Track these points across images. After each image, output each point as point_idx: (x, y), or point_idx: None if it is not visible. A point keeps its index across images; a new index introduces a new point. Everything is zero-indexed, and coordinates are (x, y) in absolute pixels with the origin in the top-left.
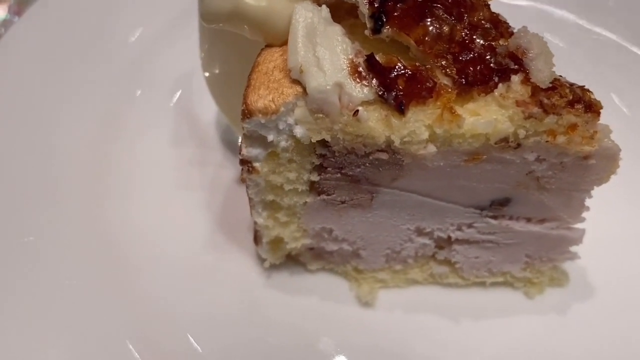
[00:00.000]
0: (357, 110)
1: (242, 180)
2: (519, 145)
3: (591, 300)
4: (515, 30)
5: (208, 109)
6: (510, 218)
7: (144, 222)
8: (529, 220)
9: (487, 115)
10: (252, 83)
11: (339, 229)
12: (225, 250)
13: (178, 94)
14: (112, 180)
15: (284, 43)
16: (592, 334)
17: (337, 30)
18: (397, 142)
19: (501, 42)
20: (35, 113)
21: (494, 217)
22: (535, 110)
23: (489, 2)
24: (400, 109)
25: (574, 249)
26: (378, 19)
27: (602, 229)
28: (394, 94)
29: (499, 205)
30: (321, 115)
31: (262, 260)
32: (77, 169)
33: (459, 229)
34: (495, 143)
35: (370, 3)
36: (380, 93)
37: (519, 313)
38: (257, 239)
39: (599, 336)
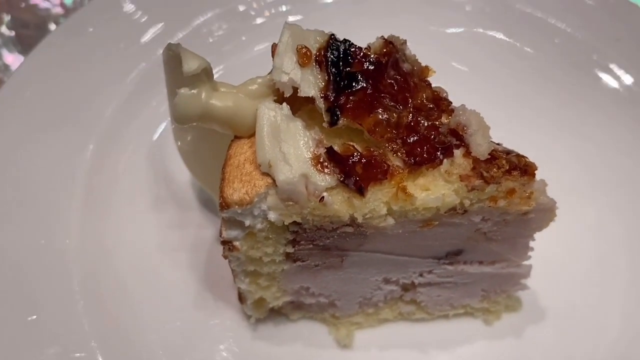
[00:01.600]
0: (323, 197)
1: (225, 257)
2: (465, 211)
3: (543, 321)
4: (454, 107)
5: (182, 172)
6: (465, 263)
7: (132, 286)
8: (481, 263)
9: (435, 191)
10: (226, 177)
11: (315, 286)
12: (213, 308)
13: (153, 157)
14: (96, 245)
15: (252, 135)
16: (545, 352)
17: (298, 125)
18: (360, 219)
19: (443, 118)
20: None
21: (450, 264)
22: (477, 182)
23: (429, 78)
24: (360, 192)
25: (523, 280)
26: (333, 113)
27: (547, 256)
28: (353, 179)
29: (453, 255)
30: (291, 202)
31: (248, 316)
32: (60, 234)
33: (421, 275)
34: (445, 212)
35: (325, 98)
36: (341, 179)
37: (479, 339)
38: (241, 298)
39: (551, 352)
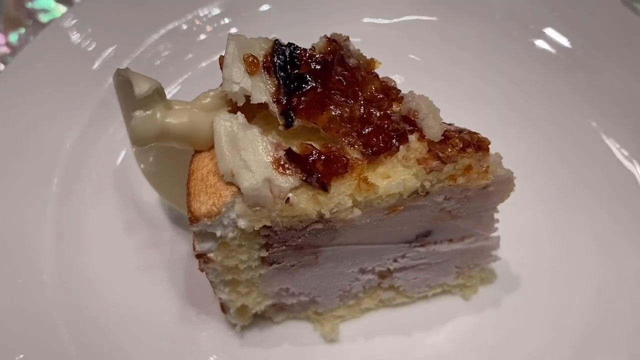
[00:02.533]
0: (288, 198)
1: (201, 270)
2: (427, 193)
3: (519, 289)
4: (403, 94)
5: (149, 193)
6: (435, 243)
7: (116, 311)
8: (450, 240)
9: (396, 177)
10: (192, 191)
11: (294, 286)
12: (198, 322)
13: (118, 183)
14: (74, 276)
15: (211, 147)
16: (524, 317)
17: (254, 131)
18: (327, 215)
19: (394, 107)
20: None
21: (421, 246)
22: (434, 164)
23: (375, 70)
24: (324, 188)
25: (494, 252)
26: (287, 115)
27: (512, 225)
28: (315, 176)
29: (423, 237)
30: (258, 207)
31: (232, 324)
32: (36, 271)
33: (395, 260)
34: (408, 196)
35: (278, 102)
36: (304, 178)
37: (460, 314)
38: (224, 308)
39: (530, 316)
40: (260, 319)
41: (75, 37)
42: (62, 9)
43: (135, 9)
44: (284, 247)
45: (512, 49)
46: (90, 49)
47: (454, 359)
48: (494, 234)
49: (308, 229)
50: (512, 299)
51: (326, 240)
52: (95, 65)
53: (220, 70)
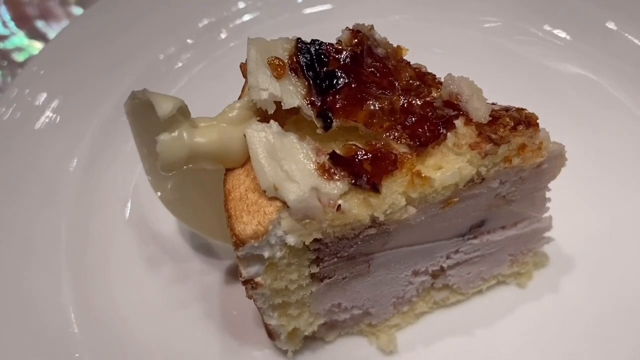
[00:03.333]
0: (339, 205)
1: (249, 297)
2: (483, 179)
3: (574, 269)
4: (440, 79)
5: (167, 222)
6: (488, 232)
7: (154, 351)
8: (503, 227)
9: (449, 167)
10: (233, 213)
11: (346, 300)
12: (244, 353)
13: (133, 217)
14: (103, 324)
15: (245, 163)
16: (583, 297)
17: (292, 139)
18: (381, 217)
19: (434, 94)
20: None
21: (475, 237)
22: (488, 147)
23: (405, 57)
24: (375, 189)
25: (546, 234)
26: (325, 117)
27: (560, 203)
28: (364, 178)
29: (476, 228)
30: (307, 220)
31: (283, 351)
32: (62, 324)
33: (448, 257)
34: (464, 186)
35: (312, 104)
36: (352, 182)
37: (518, 304)
38: (272, 335)
39: (589, 298)
40: (311, 340)
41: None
42: (37, 45)
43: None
44: (335, 260)
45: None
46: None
47: (523, 351)
48: (546, 215)
49: (360, 236)
50: (568, 280)
51: (379, 246)
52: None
53: (243, 78)
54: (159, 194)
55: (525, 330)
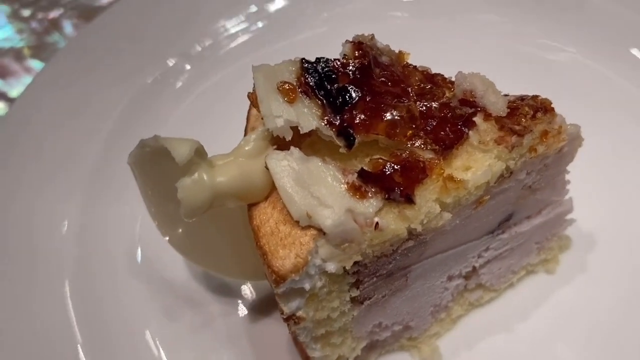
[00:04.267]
0: (377, 223)
1: (293, 334)
2: (511, 173)
3: (597, 246)
4: (452, 78)
5: (175, 265)
6: (515, 225)
7: None
8: (529, 217)
9: (479, 166)
10: (267, 249)
11: (386, 318)
12: None
13: (139, 259)
14: None
15: (268, 196)
16: (614, 272)
17: (316, 162)
18: (419, 229)
19: (448, 94)
20: None
21: (503, 232)
22: (514, 139)
23: (407, 62)
24: (409, 200)
25: (569, 216)
26: (347, 135)
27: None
28: (397, 191)
29: (504, 222)
30: (346, 244)
31: None
32: None
33: (480, 256)
34: (495, 182)
35: (330, 124)
36: (386, 197)
37: (551, 290)
38: None
39: (619, 273)
40: None
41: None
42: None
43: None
44: (374, 279)
45: None
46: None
47: (565, 334)
48: (567, 197)
49: (399, 251)
50: (593, 258)
51: (416, 257)
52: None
53: (251, 108)
54: (167, 237)
55: (563, 314)
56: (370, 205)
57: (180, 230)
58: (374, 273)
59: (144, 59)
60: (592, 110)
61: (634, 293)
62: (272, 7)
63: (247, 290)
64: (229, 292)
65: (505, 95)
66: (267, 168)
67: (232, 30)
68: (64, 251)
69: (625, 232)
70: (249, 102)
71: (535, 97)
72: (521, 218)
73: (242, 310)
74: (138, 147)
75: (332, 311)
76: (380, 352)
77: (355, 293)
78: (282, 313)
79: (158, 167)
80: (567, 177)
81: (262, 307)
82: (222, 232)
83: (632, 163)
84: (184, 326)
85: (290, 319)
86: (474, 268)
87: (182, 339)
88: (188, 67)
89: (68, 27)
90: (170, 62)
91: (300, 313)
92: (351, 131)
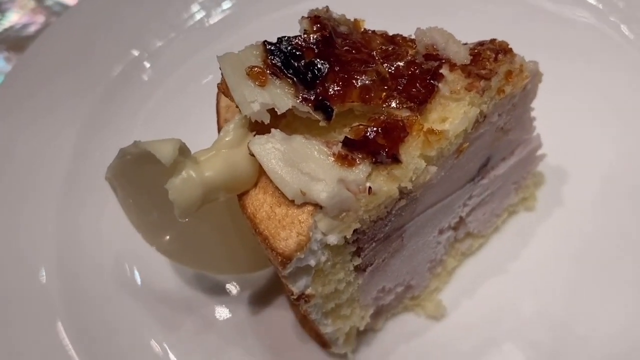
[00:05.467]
0: (369, 187)
1: (299, 316)
2: (485, 117)
3: (569, 177)
4: (410, 36)
5: (165, 273)
6: (493, 168)
7: None
8: (504, 159)
9: (455, 115)
10: (268, 234)
11: (389, 281)
12: None
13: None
14: None
15: (256, 183)
16: (587, 195)
17: (300, 140)
18: (409, 186)
19: (411, 52)
20: None
21: (483, 178)
22: (482, 83)
23: (364, 28)
24: (396, 159)
25: (539, 152)
26: (324, 107)
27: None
28: (383, 152)
29: (483, 167)
30: (343, 213)
31: (341, 356)
32: None
33: (465, 205)
34: (472, 128)
35: (305, 100)
36: (373, 161)
37: (534, 227)
38: (327, 344)
39: (596, 200)
40: (362, 335)
41: None
42: None
43: None
44: (373, 244)
45: None
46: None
47: (557, 265)
48: (534, 134)
49: (393, 212)
50: (568, 189)
51: (409, 216)
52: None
53: (219, 99)
54: (155, 246)
55: (549, 247)
56: (360, 171)
57: (168, 236)
58: (373, 238)
59: (100, 61)
60: (544, 46)
61: (610, 214)
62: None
63: (239, 286)
64: (224, 291)
65: (465, 44)
66: (252, 154)
67: (177, 31)
68: (50, 290)
69: (592, 158)
70: (215, 95)
71: (493, 40)
72: (497, 161)
73: (242, 306)
74: (118, 157)
75: (338, 283)
76: (386, 317)
77: (357, 261)
78: (292, 294)
79: (139, 175)
80: (532, 114)
81: (260, 300)
82: (210, 230)
83: (585, 92)
84: (188, 332)
85: (301, 299)
86: (461, 218)
87: (189, 345)
88: (147, 64)
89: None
90: (126, 62)
91: (309, 291)
92: (328, 103)
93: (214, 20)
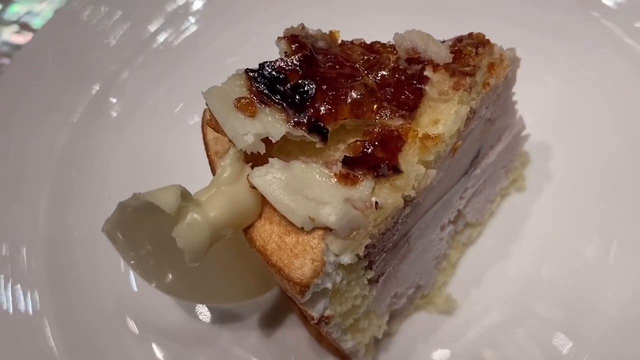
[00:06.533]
0: (376, 202)
1: (326, 335)
2: (474, 112)
3: (553, 152)
4: (389, 43)
5: (166, 310)
6: (483, 158)
7: None
8: (492, 147)
9: (446, 116)
10: (282, 265)
11: (400, 287)
12: None
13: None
14: None
15: (260, 215)
16: (574, 165)
17: (299, 166)
18: (412, 194)
19: (392, 58)
20: None
21: (475, 169)
22: (468, 80)
23: (341, 39)
24: (396, 170)
25: (523, 133)
26: (319, 129)
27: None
28: (383, 166)
29: (475, 159)
30: (354, 232)
31: None
32: None
33: (461, 198)
34: (464, 126)
35: (297, 124)
36: (375, 175)
37: (526, 205)
38: (347, 357)
39: (578, 162)
40: (379, 342)
41: None
42: None
43: None
44: (384, 255)
45: None
46: None
47: (558, 238)
48: (517, 116)
49: (399, 221)
50: (554, 164)
51: (413, 221)
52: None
53: (205, 136)
54: (154, 284)
55: (547, 222)
56: (364, 188)
57: (170, 275)
58: (382, 249)
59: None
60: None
61: (598, 180)
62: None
63: (246, 312)
64: (232, 319)
65: (443, 41)
66: (253, 187)
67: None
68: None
69: (572, 130)
70: (199, 128)
71: (470, 34)
72: (487, 150)
73: (253, 331)
74: (117, 211)
75: (354, 299)
76: (400, 320)
77: (370, 274)
78: (312, 319)
79: (140, 225)
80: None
81: (270, 322)
82: (216, 263)
83: (560, 69)
84: None
85: (321, 321)
86: (459, 211)
87: None
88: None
89: None
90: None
91: (328, 312)
92: (321, 124)
93: (178, 40)
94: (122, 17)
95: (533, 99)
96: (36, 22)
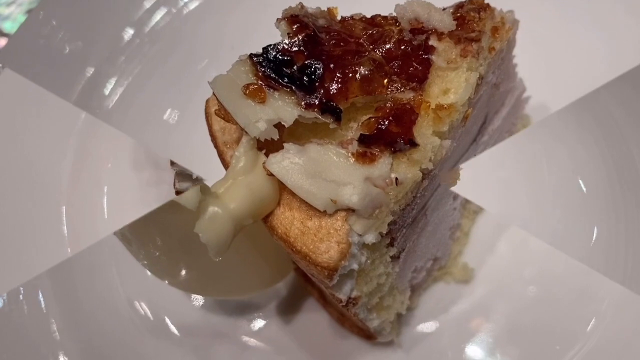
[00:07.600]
0: (396, 178)
1: (354, 315)
2: (482, 78)
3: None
4: (391, 14)
5: (180, 307)
6: (489, 124)
7: None
8: (497, 112)
9: (457, 84)
10: (307, 250)
11: (419, 260)
12: None
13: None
14: None
15: (278, 203)
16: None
17: (315, 148)
18: (430, 166)
19: (395, 30)
20: None
21: (482, 135)
22: (474, 46)
23: (340, 15)
24: (413, 144)
25: (524, 95)
26: (332, 109)
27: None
28: (399, 140)
29: (482, 125)
30: (376, 210)
31: (388, 344)
32: None
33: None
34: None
35: (308, 106)
36: (392, 150)
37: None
38: (373, 336)
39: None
40: (400, 317)
41: None
42: None
43: None
44: (404, 231)
45: None
46: None
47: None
48: (517, 78)
49: (418, 195)
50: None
51: (430, 193)
52: None
53: (211, 128)
54: (167, 281)
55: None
56: (383, 164)
57: (184, 271)
58: (403, 225)
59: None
60: None
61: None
62: None
63: (262, 301)
64: (249, 310)
65: (444, 9)
66: (270, 175)
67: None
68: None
69: (571, 89)
70: (202, 117)
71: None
72: (492, 116)
73: (273, 319)
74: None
75: (379, 278)
76: (419, 293)
77: (392, 251)
78: (340, 302)
79: (152, 225)
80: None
81: (289, 308)
82: (231, 256)
83: (552, 28)
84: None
85: (349, 303)
86: None
87: None
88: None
89: None
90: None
91: (355, 293)
92: (333, 104)
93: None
94: None
95: (529, 59)
96: (7, 26)
